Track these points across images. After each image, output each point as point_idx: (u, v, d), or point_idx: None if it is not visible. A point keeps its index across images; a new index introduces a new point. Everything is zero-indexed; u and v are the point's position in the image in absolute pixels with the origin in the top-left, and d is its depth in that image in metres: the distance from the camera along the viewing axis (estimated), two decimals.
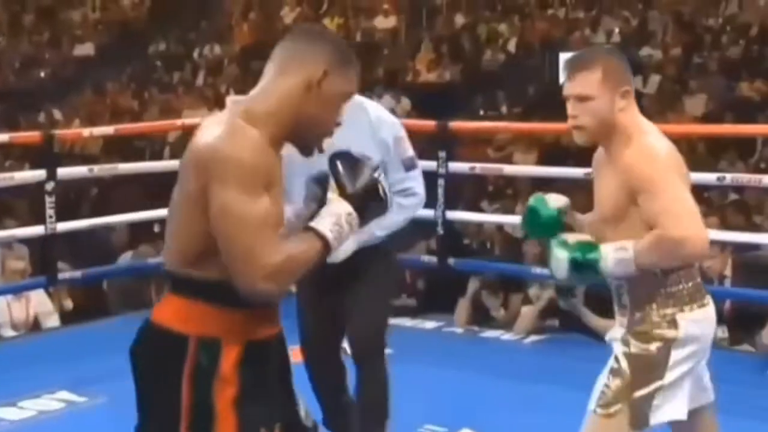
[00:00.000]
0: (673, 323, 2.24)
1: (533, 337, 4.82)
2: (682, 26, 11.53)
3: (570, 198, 2.49)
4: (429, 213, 5.06)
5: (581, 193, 3.09)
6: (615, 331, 2.35)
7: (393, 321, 5.12)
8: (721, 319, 4.74)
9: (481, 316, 5.06)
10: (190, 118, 9.40)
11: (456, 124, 5.69)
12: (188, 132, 11.06)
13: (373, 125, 2.94)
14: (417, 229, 6.00)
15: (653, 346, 2.24)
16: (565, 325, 4.81)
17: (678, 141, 2.36)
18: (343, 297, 2.97)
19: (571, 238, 2.30)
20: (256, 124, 1.74)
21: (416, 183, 2.98)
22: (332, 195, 1.82)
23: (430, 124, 5.56)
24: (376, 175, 1.85)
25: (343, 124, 2.67)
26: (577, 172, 4.76)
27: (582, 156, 2.65)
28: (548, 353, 4.61)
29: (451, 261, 5.02)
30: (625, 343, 2.28)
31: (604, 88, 2.25)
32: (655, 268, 2.24)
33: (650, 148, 2.23)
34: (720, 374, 4.26)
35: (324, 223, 1.78)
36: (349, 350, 3.07)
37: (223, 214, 1.69)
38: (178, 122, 7.62)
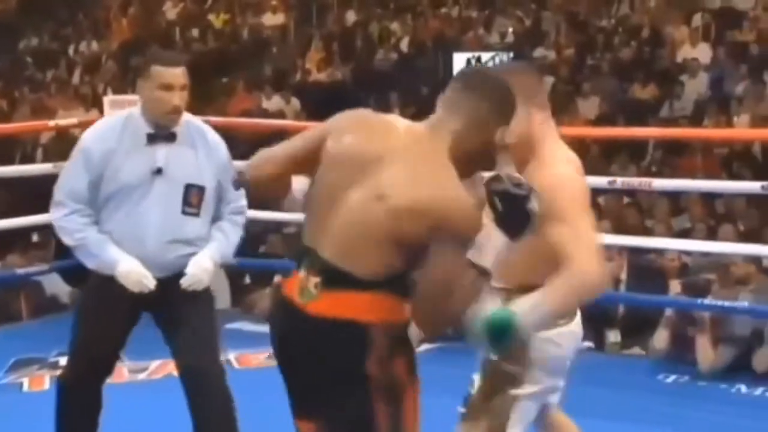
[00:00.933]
0: None
1: (424, 347, 4.77)
2: (575, 27, 11.80)
3: None
4: None
5: None
6: None
7: None
8: (614, 324, 4.95)
9: None
10: (65, 118, 9.18)
11: None
12: (62, 134, 10.82)
13: (211, 147, 3.03)
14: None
15: None
16: (458, 333, 4.82)
17: (571, 144, 2.43)
18: (161, 313, 3.02)
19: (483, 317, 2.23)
20: (453, 160, 2.04)
21: (244, 200, 3.11)
22: (488, 219, 2.10)
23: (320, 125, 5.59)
24: (531, 204, 2.11)
25: (181, 143, 2.97)
26: None
27: None
28: (441, 363, 4.44)
29: None
30: None
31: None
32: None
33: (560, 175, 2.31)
34: (612, 379, 4.40)
35: (488, 260, 2.08)
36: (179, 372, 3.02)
37: (442, 270, 1.98)
38: (52, 123, 7.52)
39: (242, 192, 2.91)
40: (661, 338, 4.60)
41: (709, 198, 6.88)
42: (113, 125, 3.00)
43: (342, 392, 2.05)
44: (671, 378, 4.38)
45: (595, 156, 8.42)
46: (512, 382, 2.41)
